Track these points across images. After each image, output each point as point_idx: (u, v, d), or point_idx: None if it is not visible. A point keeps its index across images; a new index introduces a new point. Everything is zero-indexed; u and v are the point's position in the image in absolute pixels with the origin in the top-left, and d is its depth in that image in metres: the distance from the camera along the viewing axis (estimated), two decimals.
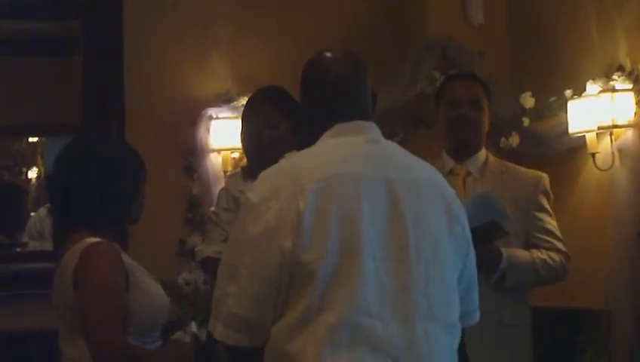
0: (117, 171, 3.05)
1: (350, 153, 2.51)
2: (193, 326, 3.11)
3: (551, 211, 4.02)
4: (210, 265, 4.04)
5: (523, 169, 4.11)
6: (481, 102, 4.02)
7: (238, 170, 4.38)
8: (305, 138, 2.63)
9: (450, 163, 4.05)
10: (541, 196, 4.01)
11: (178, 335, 3.09)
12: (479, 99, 4.01)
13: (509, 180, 4.01)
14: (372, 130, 2.59)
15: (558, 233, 4.00)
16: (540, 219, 3.98)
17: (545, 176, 4.05)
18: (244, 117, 4.07)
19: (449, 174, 4.00)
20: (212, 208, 4.27)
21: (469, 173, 4.03)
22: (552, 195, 4.05)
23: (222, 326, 2.42)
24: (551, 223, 4.00)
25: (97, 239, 2.94)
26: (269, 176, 2.51)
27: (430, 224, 2.48)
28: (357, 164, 2.48)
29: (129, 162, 3.12)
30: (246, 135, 4.04)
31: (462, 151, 4.05)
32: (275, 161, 2.67)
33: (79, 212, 3.02)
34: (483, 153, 4.08)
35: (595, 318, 4.76)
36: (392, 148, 2.61)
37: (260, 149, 3.91)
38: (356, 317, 2.35)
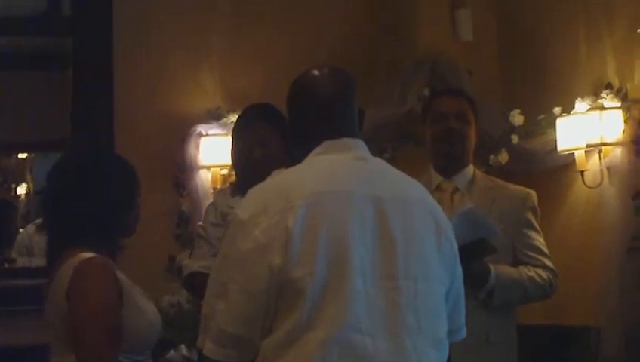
0: (109, 184, 3.05)
1: (338, 170, 2.51)
2: (183, 349, 3.10)
3: (539, 228, 4.01)
4: (196, 281, 4.03)
5: (511, 185, 4.11)
6: (468, 116, 4.01)
7: (227, 185, 4.38)
8: (292, 155, 2.64)
9: (437, 179, 4.05)
10: (529, 213, 4.00)
11: (171, 354, 3.08)
12: (466, 113, 4.01)
13: (496, 196, 4.00)
14: (359, 147, 2.59)
15: (545, 250, 3.99)
16: (528, 236, 3.97)
17: (533, 192, 4.04)
18: (234, 134, 4.07)
19: (436, 190, 3.99)
20: (200, 223, 4.27)
21: (456, 189, 4.03)
22: (539, 212, 4.05)
23: (211, 343, 2.42)
24: (539, 240, 3.99)
25: (92, 254, 2.93)
26: (257, 193, 2.51)
27: (419, 241, 2.49)
28: (345, 182, 2.48)
29: (122, 174, 3.11)
30: (237, 153, 4.03)
31: (448, 166, 4.04)
32: (268, 175, 2.67)
33: (73, 227, 3.00)
34: (470, 169, 4.08)
35: (584, 335, 4.76)
36: (380, 165, 2.62)
37: (251, 167, 3.91)
38: (346, 334, 2.35)
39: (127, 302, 2.93)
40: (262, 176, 2.99)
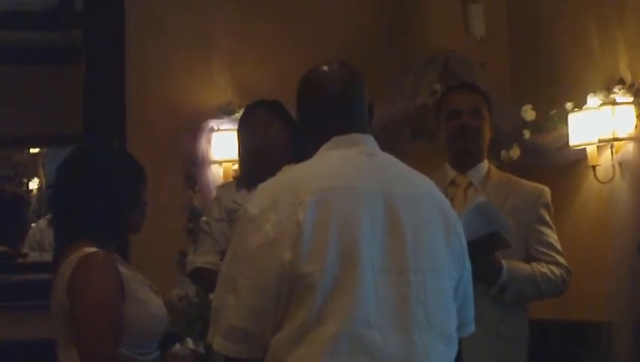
0: (116, 180, 3.06)
1: (348, 166, 2.52)
2: (190, 343, 3.11)
3: (552, 224, 4.02)
4: (201, 276, 4.06)
5: (525, 181, 4.11)
6: (482, 111, 4.02)
7: (231, 180, 4.38)
8: (302, 151, 2.64)
9: (451, 174, 4.06)
10: (542, 209, 4.01)
11: (176, 348, 3.09)
12: (480, 108, 4.02)
13: (510, 192, 4.01)
14: (369, 142, 2.59)
15: (559, 246, 3.99)
16: (542, 233, 3.98)
17: (547, 189, 4.05)
18: (239, 129, 4.09)
19: (450, 185, 4.01)
20: (204, 218, 4.27)
21: (470, 184, 4.04)
22: (553, 208, 4.05)
23: (221, 338, 2.42)
24: (552, 237, 4.00)
25: (94, 249, 2.95)
26: (267, 188, 2.51)
27: (428, 236, 2.49)
28: (355, 177, 2.48)
29: (128, 171, 3.13)
30: (242, 141, 4.05)
31: (463, 162, 4.05)
32: (271, 166, 2.67)
33: (79, 222, 3.03)
34: (485, 164, 4.08)
35: (595, 331, 4.76)
36: (389, 160, 2.62)
37: (254, 153, 3.91)
38: (355, 328, 2.36)
39: (129, 296, 2.95)
40: (265, 164, 2.99)
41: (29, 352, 5.22)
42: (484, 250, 3.55)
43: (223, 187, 4.36)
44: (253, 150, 3.93)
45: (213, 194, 5.48)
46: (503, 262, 3.82)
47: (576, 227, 5.08)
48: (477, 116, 4.00)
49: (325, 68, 2.65)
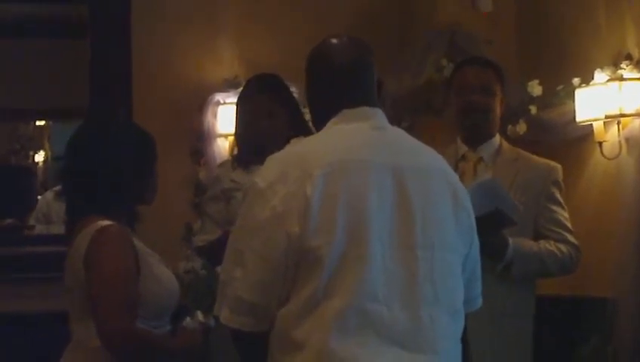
0: (126, 153, 3.07)
1: (357, 139, 2.52)
2: (199, 315, 3.12)
3: (562, 202, 4.01)
4: (202, 254, 4.11)
5: (536, 157, 4.10)
6: (493, 87, 4.00)
7: (229, 158, 4.38)
8: (307, 126, 2.64)
9: (462, 149, 4.06)
10: (552, 186, 3.99)
11: (187, 321, 3.10)
12: (490, 84, 4.00)
13: (520, 168, 4.00)
14: (378, 116, 2.59)
15: (568, 225, 3.98)
16: (551, 210, 3.97)
17: (558, 166, 4.04)
18: (239, 104, 4.07)
19: (460, 160, 4.00)
20: (204, 197, 4.31)
21: (480, 160, 4.03)
22: (563, 186, 4.04)
23: (227, 311, 2.43)
24: (562, 214, 3.98)
25: (109, 222, 2.96)
26: (276, 161, 2.52)
27: (436, 210, 2.49)
28: (364, 151, 2.48)
29: (138, 143, 3.13)
30: (242, 124, 4.03)
31: (474, 137, 4.04)
32: (271, 151, 2.66)
33: (91, 195, 3.03)
34: (497, 139, 4.08)
35: (600, 306, 4.76)
36: (399, 134, 2.62)
37: (256, 139, 3.90)
38: (363, 303, 2.36)
39: (144, 270, 2.96)
40: (267, 148, 2.99)
41: (33, 325, 5.24)
42: (488, 227, 3.55)
43: (222, 166, 4.36)
44: (257, 136, 3.92)
45: None
46: (509, 240, 3.82)
47: (582, 203, 5.07)
48: (486, 93, 3.99)
49: (335, 41, 2.64)
